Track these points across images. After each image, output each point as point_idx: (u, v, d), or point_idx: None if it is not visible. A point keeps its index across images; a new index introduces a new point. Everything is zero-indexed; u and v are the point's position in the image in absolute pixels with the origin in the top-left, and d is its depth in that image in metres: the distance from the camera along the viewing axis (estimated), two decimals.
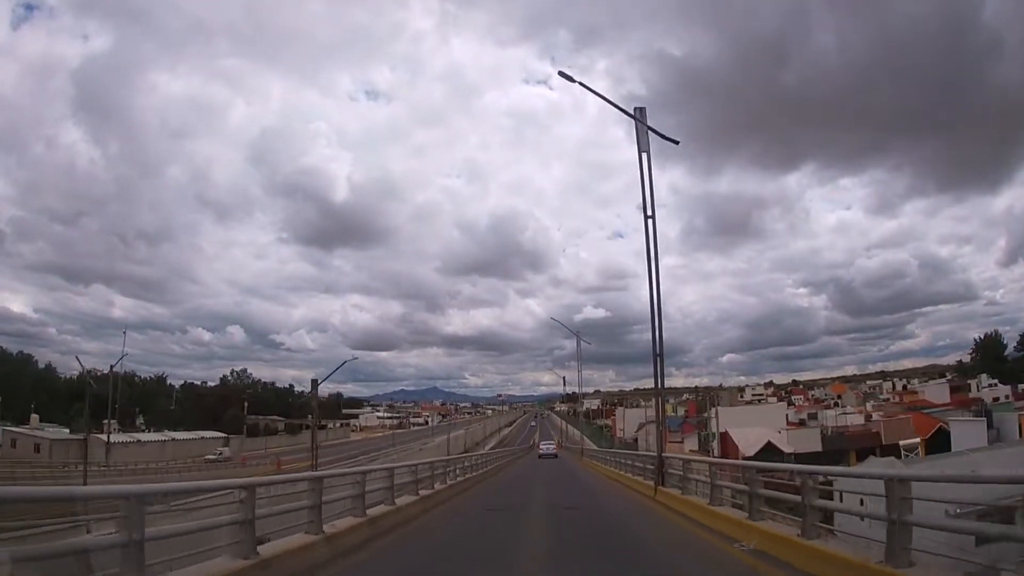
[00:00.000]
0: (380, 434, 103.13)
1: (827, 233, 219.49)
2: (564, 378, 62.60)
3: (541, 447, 50.33)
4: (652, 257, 14.48)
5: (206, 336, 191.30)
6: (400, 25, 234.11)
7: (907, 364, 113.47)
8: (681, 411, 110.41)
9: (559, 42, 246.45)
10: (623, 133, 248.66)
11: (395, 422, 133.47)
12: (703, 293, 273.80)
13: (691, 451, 47.00)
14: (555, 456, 43.95)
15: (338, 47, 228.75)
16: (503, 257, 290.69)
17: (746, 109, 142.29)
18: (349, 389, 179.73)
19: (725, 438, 38.30)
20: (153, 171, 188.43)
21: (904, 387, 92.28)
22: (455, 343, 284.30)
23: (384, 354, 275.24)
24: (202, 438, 62.76)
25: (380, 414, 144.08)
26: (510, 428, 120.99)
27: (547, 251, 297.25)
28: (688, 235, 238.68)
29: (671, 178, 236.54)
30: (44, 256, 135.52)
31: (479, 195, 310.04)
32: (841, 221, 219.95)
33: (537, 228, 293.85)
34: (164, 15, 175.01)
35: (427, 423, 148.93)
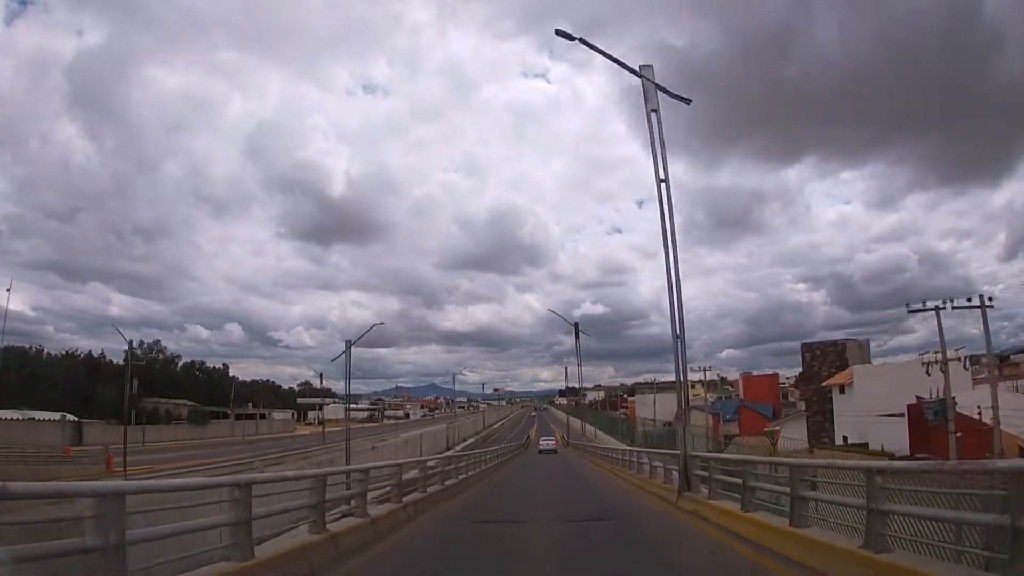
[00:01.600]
0: (338, 429, 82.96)
1: (827, 228, 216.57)
2: (579, 342, 42.77)
3: (541, 443, 49.72)
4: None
5: (204, 333, 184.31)
6: (398, 17, 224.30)
7: (906, 359, 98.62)
8: (712, 397, 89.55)
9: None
10: (623, 127, 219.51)
11: (365, 415, 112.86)
12: (703, 288, 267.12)
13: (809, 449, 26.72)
14: (555, 452, 44.72)
15: (335, 40, 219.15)
16: (502, 252, 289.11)
17: (748, 101, 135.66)
18: (352, 387, 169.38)
19: (965, 427, 18.17)
20: (149, 166, 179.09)
21: (1002, 358, 71.85)
22: (453, 339, 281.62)
23: (383, 351, 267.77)
24: (31, 419, 43.48)
25: (352, 406, 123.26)
26: (500, 423, 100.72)
27: (546, 246, 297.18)
28: (688, 230, 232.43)
29: (672, 171, 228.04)
30: (41, 253, 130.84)
31: (478, 190, 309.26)
32: (841, 216, 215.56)
33: (536, 223, 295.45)
34: (159, 8, 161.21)
35: (407, 416, 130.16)
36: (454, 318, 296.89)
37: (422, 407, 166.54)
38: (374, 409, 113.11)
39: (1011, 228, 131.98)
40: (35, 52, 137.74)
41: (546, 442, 49.30)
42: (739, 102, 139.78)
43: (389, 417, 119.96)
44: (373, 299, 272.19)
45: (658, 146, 12.74)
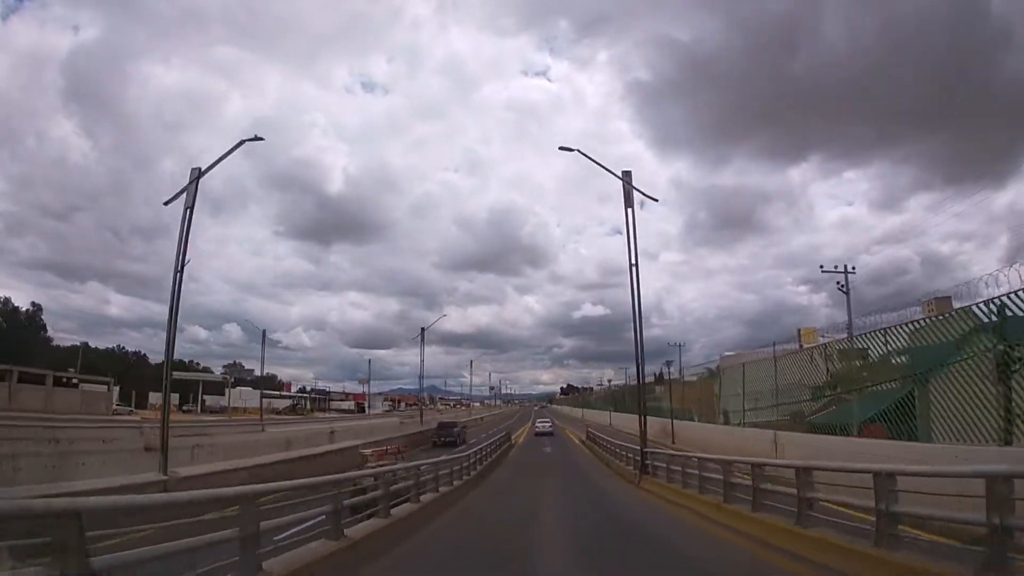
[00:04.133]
0: (214, 418, 55.46)
1: (829, 229, 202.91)
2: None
3: (538, 425, 53.45)
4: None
5: (203, 334, 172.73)
6: (398, 12, 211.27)
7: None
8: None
9: (559, 32, 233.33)
10: (625, 125, 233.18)
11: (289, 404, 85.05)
12: (704, 290, 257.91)
13: None
14: (552, 433, 48.58)
15: (335, 36, 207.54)
16: (502, 253, 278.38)
17: (753, 98, 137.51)
18: (348, 387, 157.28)
19: None
20: (147, 164, 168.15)
21: None
22: (453, 341, 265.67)
23: (382, 352, 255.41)
24: None
25: (275, 392, 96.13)
26: (472, 419, 73.69)
27: (546, 247, 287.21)
28: (690, 230, 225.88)
29: (676, 171, 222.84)
30: (38, 252, 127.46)
31: (478, 189, 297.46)
32: (844, 217, 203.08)
33: (536, 223, 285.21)
34: (156, 3, 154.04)
35: (362, 410, 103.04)
36: (454, 319, 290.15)
37: (385, 400, 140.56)
38: (299, 398, 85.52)
39: (1013, 230, 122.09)
40: (31, 48, 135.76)
41: (543, 424, 53.14)
42: (745, 98, 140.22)
43: (335, 410, 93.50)
44: (372, 300, 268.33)
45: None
